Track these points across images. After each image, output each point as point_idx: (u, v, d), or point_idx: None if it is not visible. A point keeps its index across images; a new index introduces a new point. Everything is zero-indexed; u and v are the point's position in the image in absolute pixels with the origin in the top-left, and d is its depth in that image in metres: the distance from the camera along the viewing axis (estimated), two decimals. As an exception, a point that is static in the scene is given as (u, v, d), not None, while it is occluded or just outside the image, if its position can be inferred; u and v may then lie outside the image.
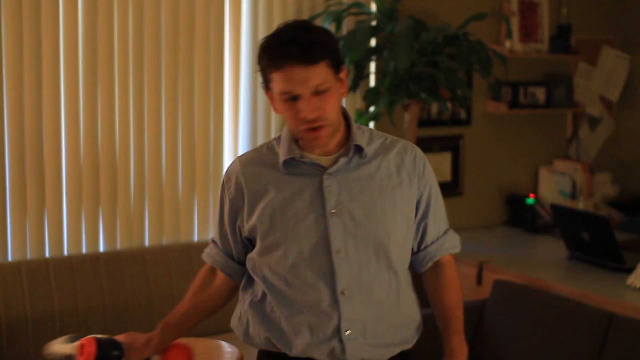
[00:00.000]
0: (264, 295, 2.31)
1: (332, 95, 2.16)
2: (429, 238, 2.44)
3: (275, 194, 2.22)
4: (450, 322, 2.48)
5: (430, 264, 2.48)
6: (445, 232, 2.49)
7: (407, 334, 2.38)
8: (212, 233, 4.47)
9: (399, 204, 2.29)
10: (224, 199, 2.35)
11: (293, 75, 2.10)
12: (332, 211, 2.21)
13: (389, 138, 2.36)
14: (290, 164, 2.24)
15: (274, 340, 2.28)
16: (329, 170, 2.24)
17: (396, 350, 2.37)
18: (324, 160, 2.26)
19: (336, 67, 2.18)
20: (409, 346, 2.39)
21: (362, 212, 2.23)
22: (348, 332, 2.24)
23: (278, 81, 2.12)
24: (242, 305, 2.40)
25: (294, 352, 2.26)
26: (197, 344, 3.71)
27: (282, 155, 2.25)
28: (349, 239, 2.22)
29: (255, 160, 2.31)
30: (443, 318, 2.48)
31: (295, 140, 2.27)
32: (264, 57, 2.16)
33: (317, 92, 2.12)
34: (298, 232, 2.21)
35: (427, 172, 2.37)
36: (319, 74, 2.12)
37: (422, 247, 2.45)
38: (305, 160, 2.24)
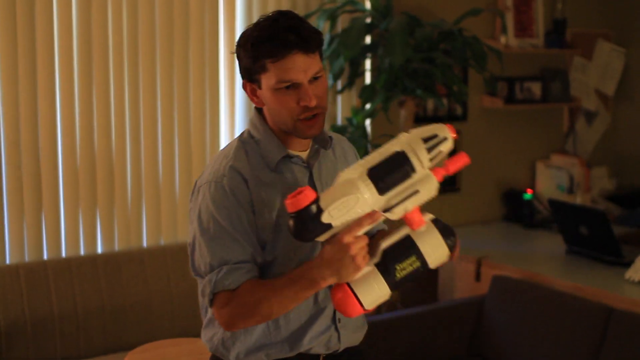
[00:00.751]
0: None
1: (325, 83, 2.17)
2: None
3: (275, 196, 2.18)
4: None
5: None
6: None
7: (364, 317, 2.40)
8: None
9: None
10: (232, 206, 2.15)
11: (295, 63, 2.09)
12: None
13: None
14: (279, 162, 2.22)
15: (268, 349, 2.24)
16: (313, 164, 2.26)
17: (362, 334, 2.40)
18: (304, 155, 2.26)
19: (321, 57, 2.20)
20: (366, 327, 2.42)
21: None
22: (340, 320, 2.27)
23: (276, 70, 2.10)
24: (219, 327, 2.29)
25: (299, 350, 2.24)
26: (190, 345, 3.72)
27: (274, 154, 2.20)
28: None
29: (247, 164, 2.22)
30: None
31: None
32: (259, 45, 2.11)
33: (314, 80, 2.13)
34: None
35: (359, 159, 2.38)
36: (317, 62, 2.14)
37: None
38: (292, 156, 2.23)
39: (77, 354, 4.10)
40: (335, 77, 4.55)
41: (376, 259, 1.98)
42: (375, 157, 1.95)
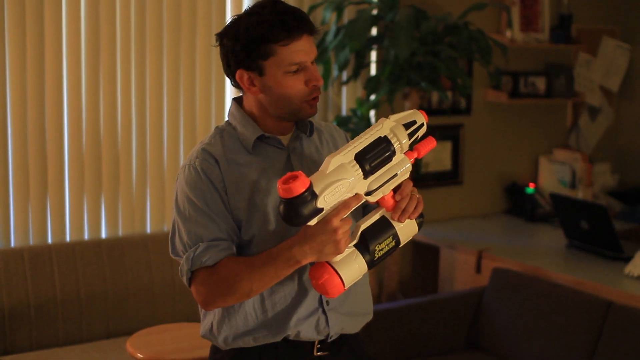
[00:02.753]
0: None
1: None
2: None
3: (249, 176, 2.20)
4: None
5: None
6: None
7: (369, 303, 2.42)
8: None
9: None
10: (205, 187, 2.18)
11: (305, 45, 2.15)
12: None
13: None
14: (256, 144, 2.24)
15: (255, 333, 2.24)
16: (292, 148, 2.28)
17: (364, 321, 2.40)
18: (283, 139, 2.28)
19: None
20: (370, 317, 2.42)
21: None
22: (328, 302, 2.26)
23: (287, 54, 2.13)
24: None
25: (286, 333, 2.23)
26: (191, 329, 3.75)
27: (250, 135, 2.23)
28: None
29: (220, 147, 2.25)
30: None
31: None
32: (266, 32, 2.12)
33: (312, 63, 2.20)
34: (275, 210, 2.21)
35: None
36: (314, 44, 2.21)
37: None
38: (268, 137, 2.25)
39: (79, 338, 4.13)
40: (341, 68, 4.57)
41: (355, 240, 2.08)
42: (361, 141, 2.03)
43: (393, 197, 2.12)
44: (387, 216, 2.13)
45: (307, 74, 2.16)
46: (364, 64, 4.70)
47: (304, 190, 1.91)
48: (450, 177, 5.42)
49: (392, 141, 2.05)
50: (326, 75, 4.61)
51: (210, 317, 2.28)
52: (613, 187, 6.01)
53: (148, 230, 4.43)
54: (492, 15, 5.46)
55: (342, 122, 4.63)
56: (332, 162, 1.98)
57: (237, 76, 2.21)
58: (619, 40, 6.05)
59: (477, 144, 5.55)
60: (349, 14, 4.79)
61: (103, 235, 4.33)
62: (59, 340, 4.08)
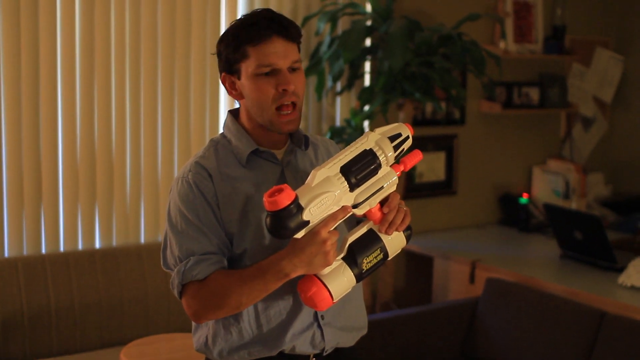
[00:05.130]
0: None
1: (302, 75, 2.22)
2: None
3: (242, 190, 2.21)
4: None
5: None
6: None
7: (364, 318, 2.43)
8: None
9: None
10: (197, 201, 2.19)
11: (276, 47, 2.15)
12: None
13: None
14: (250, 158, 2.25)
15: (250, 347, 2.24)
16: (286, 162, 2.28)
17: (358, 336, 2.41)
18: (278, 153, 2.29)
19: (299, 50, 2.26)
20: (365, 331, 2.43)
21: None
22: (323, 316, 2.27)
23: (257, 55, 2.15)
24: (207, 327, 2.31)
25: (281, 348, 2.24)
26: (185, 340, 3.74)
27: (244, 148, 2.24)
28: None
29: (214, 161, 2.25)
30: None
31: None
32: (241, 33, 2.16)
33: (292, 69, 2.19)
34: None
35: None
36: (296, 51, 2.20)
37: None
38: (262, 151, 2.26)
39: (73, 348, 4.12)
40: (335, 79, 4.58)
41: (343, 253, 2.09)
42: (347, 154, 2.04)
43: (380, 209, 2.12)
44: (375, 229, 2.14)
45: (278, 77, 2.16)
46: (358, 74, 4.71)
47: (289, 202, 1.92)
48: (444, 187, 5.43)
49: (378, 154, 2.06)
50: (320, 85, 4.62)
51: (204, 331, 2.28)
52: (607, 197, 6.03)
53: (142, 240, 4.43)
54: (486, 26, 5.48)
55: (336, 132, 4.64)
56: (318, 175, 1.99)
57: (221, 79, 2.25)
58: (613, 51, 6.07)
59: (471, 154, 5.56)
60: (343, 24, 4.81)
61: (97, 245, 4.32)
62: (53, 350, 4.08)
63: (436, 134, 5.35)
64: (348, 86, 4.70)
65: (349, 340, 2.36)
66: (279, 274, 2.04)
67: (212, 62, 4.50)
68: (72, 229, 4.24)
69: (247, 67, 2.17)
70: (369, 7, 4.82)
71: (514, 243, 5.20)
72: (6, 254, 4.12)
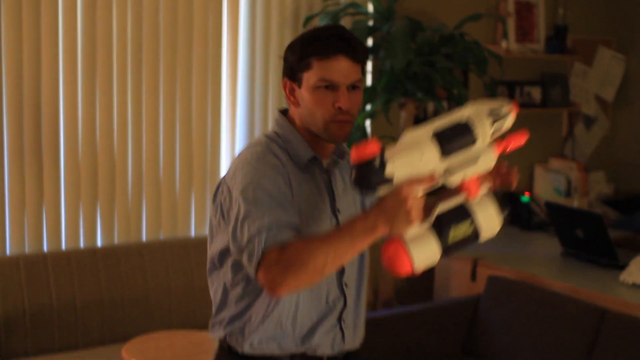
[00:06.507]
0: (256, 297, 2.29)
1: (360, 95, 2.26)
2: None
3: (299, 193, 2.25)
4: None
5: None
6: None
7: (361, 321, 2.47)
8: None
9: (360, 203, 2.43)
10: (279, 178, 2.20)
11: (340, 65, 2.20)
12: (339, 210, 2.32)
13: None
14: (309, 164, 2.29)
15: (281, 340, 2.28)
16: (332, 172, 2.34)
17: (361, 338, 2.46)
18: (324, 162, 2.34)
19: (363, 75, 2.30)
20: (362, 335, 2.48)
21: (351, 211, 2.35)
22: (345, 320, 2.35)
23: (320, 69, 2.20)
24: (230, 314, 2.33)
25: (309, 345, 2.30)
26: (186, 337, 3.75)
27: (304, 154, 2.28)
28: None
29: (279, 159, 2.27)
30: None
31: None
32: (309, 45, 2.22)
33: (352, 88, 2.23)
34: (320, 230, 2.25)
35: None
36: (359, 72, 2.24)
37: None
38: (317, 159, 2.30)
39: (75, 345, 4.13)
40: (337, 78, 4.57)
41: (431, 221, 1.99)
42: (443, 122, 2.00)
43: (477, 183, 2.03)
44: (468, 206, 2.03)
45: (336, 94, 2.20)
46: (360, 73, 4.71)
47: (372, 156, 1.89)
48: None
49: (474, 126, 2.00)
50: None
51: (235, 324, 2.30)
52: (608, 195, 6.02)
53: (144, 238, 4.44)
54: (488, 26, 5.48)
55: (338, 130, 4.64)
56: (408, 136, 1.97)
57: (282, 83, 2.30)
58: (615, 51, 6.07)
59: (473, 153, 5.55)
60: (345, 24, 4.80)
61: (99, 243, 4.33)
62: (55, 347, 4.09)
63: (438, 133, 5.35)
64: (350, 85, 4.70)
65: (356, 342, 2.43)
66: (365, 228, 1.98)
67: (214, 61, 4.51)
68: (74, 227, 4.25)
69: (309, 78, 2.22)
70: (370, 8, 4.82)
71: (516, 241, 5.19)
72: (8, 252, 4.14)
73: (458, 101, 4.76)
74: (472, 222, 2.01)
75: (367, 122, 4.78)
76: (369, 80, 4.95)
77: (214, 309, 2.36)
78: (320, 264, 2.01)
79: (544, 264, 4.66)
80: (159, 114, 4.39)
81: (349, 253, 2.03)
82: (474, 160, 2.00)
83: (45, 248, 4.20)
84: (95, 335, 4.18)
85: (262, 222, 2.11)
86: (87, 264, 4.19)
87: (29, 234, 4.15)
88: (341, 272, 2.32)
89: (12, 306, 4.01)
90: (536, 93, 5.70)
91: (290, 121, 2.32)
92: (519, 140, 2.11)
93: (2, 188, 4.07)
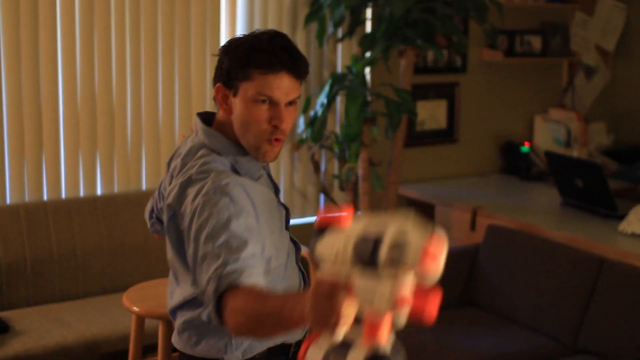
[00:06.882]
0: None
1: (295, 110, 2.16)
2: None
3: (263, 205, 2.14)
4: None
5: None
6: None
7: None
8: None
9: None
10: (244, 210, 2.03)
11: (282, 83, 2.07)
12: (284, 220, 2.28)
13: None
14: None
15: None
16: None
17: None
18: None
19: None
20: None
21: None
22: None
23: (261, 82, 2.07)
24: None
25: (296, 338, 2.26)
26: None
27: (255, 171, 2.18)
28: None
29: (235, 173, 2.14)
30: None
31: None
32: (252, 55, 2.07)
33: (289, 105, 2.11)
34: (282, 242, 2.21)
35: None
36: (298, 89, 2.12)
37: None
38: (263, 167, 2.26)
39: (75, 294, 4.15)
40: (336, 25, 4.56)
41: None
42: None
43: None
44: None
45: (274, 111, 2.08)
46: (359, 21, 4.68)
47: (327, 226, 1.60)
48: (445, 136, 5.42)
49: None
50: (321, 32, 4.60)
51: (221, 340, 2.15)
52: (608, 146, 6.02)
53: (144, 187, 4.44)
54: (489, -27, 5.43)
55: (337, 79, 4.61)
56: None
57: (215, 88, 2.15)
58: (615, 0, 6.02)
59: (473, 102, 5.55)
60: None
61: (98, 192, 4.33)
62: (56, 296, 4.11)
63: (437, 82, 5.34)
64: (349, 33, 4.67)
65: None
66: (299, 318, 1.70)
67: (212, 10, 4.48)
68: (74, 175, 4.25)
69: (247, 90, 2.08)
70: (370, -47, 4.78)
71: (515, 191, 5.20)
72: (8, 201, 4.14)
73: (458, 49, 4.74)
74: None
75: (367, 70, 4.75)
76: (368, 27, 4.93)
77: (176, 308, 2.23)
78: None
79: (543, 213, 4.67)
80: (157, 60, 4.37)
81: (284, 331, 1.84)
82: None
83: (45, 197, 4.20)
84: (96, 284, 4.20)
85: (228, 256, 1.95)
86: (87, 212, 4.20)
87: (29, 182, 4.15)
88: (302, 283, 2.28)
89: (13, 255, 4.02)
90: (536, 42, 5.67)
91: (221, 130, 2.17)
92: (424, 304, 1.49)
93: (1, 137, 4.06)
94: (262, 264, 2.00)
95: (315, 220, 1.59)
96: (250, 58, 2.06)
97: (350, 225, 1.54)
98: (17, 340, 3.66)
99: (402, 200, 5.15)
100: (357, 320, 1.54)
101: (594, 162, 4.70)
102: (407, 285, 1.44)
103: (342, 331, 1.53)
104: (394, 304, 1.45)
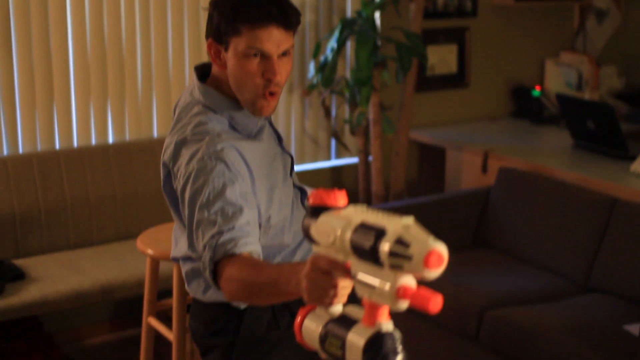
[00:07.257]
0: None
1: (290, 61, 2.13)
2: None
3: (261, 164, 2.14)
4: None
5: None
6: None
7: None
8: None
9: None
10: (239, 175, 2.03)
11: (272, 35, 2.05)
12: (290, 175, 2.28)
13: None
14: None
15: None
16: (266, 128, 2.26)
17: None
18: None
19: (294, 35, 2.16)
20: None
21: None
22: None
23: (250, 37, 2.04)
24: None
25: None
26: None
27: (253, 126, 2.17)
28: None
29: (232, 133, 2.13)
30: None
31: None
32: (240, 10, 2.05)
33: (282, 56, 2.09)
34: (286, 193, 2.21)
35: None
36: (290, 39, 2.10)
37: None
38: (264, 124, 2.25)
39: (89, 241, 4.19)
40: (345, -31, 4.53)
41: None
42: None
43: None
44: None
45: (267, 64, 2.07)
46: (369, -36, 4.66)
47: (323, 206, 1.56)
48: (456, 80, 5.41)
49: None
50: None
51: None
52: (620, 89, 5.98)
53: (155, 134, 4.45)
54: None
55: (347, 24, 4.59)
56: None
57: (207, 44, 2.14)
58: (627, -59, 5.97)
59: (483, 46, 5.52)
60: None
61: (110, 140, 4.34)
62: (70, 244, 4.14)
63: (448, 26, 5.31)
64: (359, -23, 4.65)
65: None
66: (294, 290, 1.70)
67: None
68: (85, 124, 4.26)
69: (237, 44, 2.06)
70: None
71: (527, 134, 5.19)
72: (20, 151, 4.15)
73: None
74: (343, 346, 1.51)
75: (377, 15, 4.72)
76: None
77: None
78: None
79: (554, 155, 4.66)
80: (166, 7, 4.35)
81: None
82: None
83: (57, 145, 4.22)
84: (110, 231, 4.23)
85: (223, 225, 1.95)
86: (99, 160, 4.22)
87: (41, 132, 4.16)
88: (304, 240, 2.25)
89: (26, 204, 4.05)
90: (547, -15, 5.62)
91: (217, 85, 2.17)
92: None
93: (12, 87, 4.07)
94: (257, 231, 2.01)
95: (309, 197, 1.56)
96: (238, 12, 2.04)
97: (347, 210, 1.50)
98: (34, 286, 3.71)
99: (412, 144, 5.15)
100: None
101: (606, 104, 4.69)
102: (408, 278, 1.39)
103: (337, 308, 1.52)
104: (394, 297, 1.40)
